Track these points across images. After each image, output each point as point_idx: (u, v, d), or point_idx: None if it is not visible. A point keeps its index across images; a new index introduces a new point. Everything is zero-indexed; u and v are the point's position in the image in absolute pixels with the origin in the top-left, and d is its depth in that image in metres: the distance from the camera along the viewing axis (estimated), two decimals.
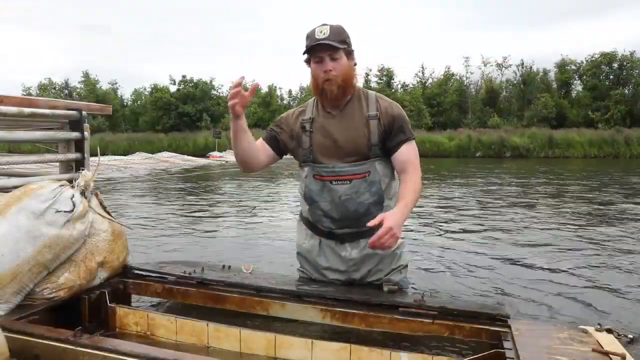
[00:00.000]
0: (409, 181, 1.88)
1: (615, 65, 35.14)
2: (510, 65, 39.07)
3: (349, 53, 1.94)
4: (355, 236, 2.00)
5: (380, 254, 2.02)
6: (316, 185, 1.98)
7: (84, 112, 2.29)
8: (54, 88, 45.30)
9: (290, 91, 48.01)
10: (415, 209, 6.18)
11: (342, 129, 1.96)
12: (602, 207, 6.24)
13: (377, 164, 1.95)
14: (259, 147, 2.02)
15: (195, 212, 5.93)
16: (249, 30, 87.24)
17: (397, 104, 2.03)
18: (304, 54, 1.93)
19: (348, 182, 1.94)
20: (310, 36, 1.90)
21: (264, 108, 42.61)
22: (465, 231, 4.57)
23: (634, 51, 34.53)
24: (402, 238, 2.16)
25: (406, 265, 2.16)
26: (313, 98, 2.09)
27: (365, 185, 1.94)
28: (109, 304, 1.83)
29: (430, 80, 41.42)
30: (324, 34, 1.86)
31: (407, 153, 1.94)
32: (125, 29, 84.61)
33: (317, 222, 2.04)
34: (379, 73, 40.87)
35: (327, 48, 1.86)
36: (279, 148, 2.07)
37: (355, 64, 1.99)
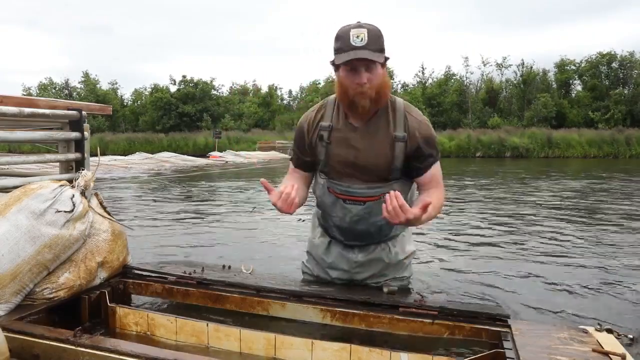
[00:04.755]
0: (432, 195, 1.74)
1: (615, 65, 35.19)
2: (510, 65, 39.16)
3: (385, 61, 1.70)
4: (364, 245, 1.98)
5: (386, 261, 1.98)
6: (329, 198, 1.91)
7: (84, 112, 2.29)
8: (54, 88, 45.38)
9: (290, 91, 48.16)
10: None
11: (364, 146, 1.78)
12: (602, 208, 6.23)
13: (395, 185, 1.80)
14: (300, 185, 1.90)
15: (195, 212, 5.93)
16: (249, 30, 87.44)
17: (426, 120, 1.85)
18: (334, 62, 1.68)
19: (362, 203, 1.84)
20: (342, 38, 1.64)
21: (264, 108, 42.64)
22: (465, 231, 4.57)
23: (633, 51, 34.63)
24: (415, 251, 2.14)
25: (410, 276, 2.14)
26: (334, 96, 1.86)
27: (379, 206, 1.79)
28: (109, 304, 1.83)
29: (430, 80, 41.49)
30: (362, 40, 1.60)
31: (433, 175, 1.83)
32: (125, 29, 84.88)
33: (328, 229, 2.03)
34: None
35: (365, 60, 1.62)
36: (310, 167, 1.94)
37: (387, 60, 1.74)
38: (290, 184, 1.72)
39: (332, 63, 1.71)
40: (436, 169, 1.84)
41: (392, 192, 1.57)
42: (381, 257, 1.98)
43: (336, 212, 1.90)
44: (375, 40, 1.63)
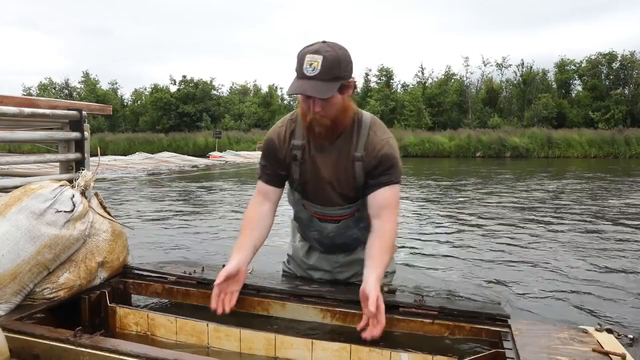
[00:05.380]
0: (381, 237, 1.66)
1: (616, 65, 35.16)
2: (510, 65, 39.17)
3: (346, 86, 1.61)
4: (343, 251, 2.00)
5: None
6: (304, 214, 1.92)
7: (84, 112, 2.29)
8: (54, 88, 45.39)
9: None
10: (415, 211, 6.17)
11: (330, 167, 1.76)
12: (602, 207, 6.23)
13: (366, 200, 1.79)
14: (263, 211, 1.82)
15: (195, 212, 5.93)
16: (249, 30, 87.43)
17: (390, 140, 1.75)
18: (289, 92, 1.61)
19: (337, 221, 1.86)
20: (299, 61, 1.56)
21: (264, 108, 42.63)
22: (465, 232, 4.57)
23: (634, 51, 34.60)
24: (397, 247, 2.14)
25: (393, 272, 2.13)
26: None
27: (353, 221, 1.85)
28: (109, 304, 1.83)
29: (430, 80, 41.49)
30: (314, 69, 1.51)
31: (386, 197, 1.69)
32: (126, 30, 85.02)
33: (307, 239, 2.05)
34: (378, 73, 40.93)
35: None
36: (283, 181, 1.88)
37: (354, 88, 1.67)
38: (236, 267, 1.67)
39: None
40: (391, 191, 1.70)
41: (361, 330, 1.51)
42: (362, 257, 1.96)
43: (313, 226, 1.92)
44: (331, 67, 1.52)
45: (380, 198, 1.70)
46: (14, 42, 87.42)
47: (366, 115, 1.79)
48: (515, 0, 77.37)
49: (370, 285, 1.51)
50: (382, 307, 1.47)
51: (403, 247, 3.85)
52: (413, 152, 27.67)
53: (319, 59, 1.52)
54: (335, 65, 1.53)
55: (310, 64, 1.52)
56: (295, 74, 1.58)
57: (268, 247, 3.77)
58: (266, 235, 1.84)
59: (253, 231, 1.78)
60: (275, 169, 1.83)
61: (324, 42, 1.58)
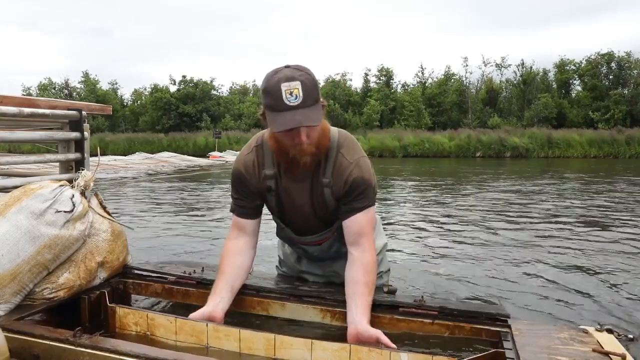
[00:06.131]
0: (365, 271, 1.60)
1: (614, 65, 35.16)
2: (510, 65, 39.16)
3: (323, 106, 1.51)
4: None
5: None
6: (285, 235, 1.93)
7: (84, 112, 2.29)
8: (54, 88, 45.36)
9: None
10: (415, 211, 6.16)
11: (304, 195, 1.70)
12: (602, 207, 6.23)
13: None
14: (240, 247, 1.76)
15: (195, 212, 5.93)
16: (250, 30, 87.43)
17: (360, 161, 1.65)
18: (268, 123, 1.47)
19: (318, 244, 1.87)
20: (273, 94, 1.42)
21: None
22: (465, 232, 4.57)
23: (630, 51, 34.63)
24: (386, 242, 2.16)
25: (387, 270, 2.13)
26: (268, 138, 1.66)
27: (334, 238, 1.82)
28: (108, 304, 1.83)
29: (430, 80, 41.49)
30: (297, 97, 1.40)
31: (362, 224, 1.63)
32: (126, 30, 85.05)
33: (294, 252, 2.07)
34: (378, 73, 40.93)
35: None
36: (259, 211, 1.80)
37: (324, 107, 1.54)
38: (205, 317, 1.60)
39: (263, 117, 1.51)
40: (365, 216, 1.64)
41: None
42: None
43: (295, 246, 1.95)
44: (311, 91, 1.43)
45: (356, 225, 1.63)
46: (14, 42, 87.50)
47: (334, 133, 1.67)
48: (515, 0, 77.36)
49: (369, 329, 1.49)
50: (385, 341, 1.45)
51: (401, 245, 3.85)
52: (413, 152, 27.63)
53: (297, 85, 1.41)
54: (313, 87, 1.45)
55: (291, 93, 1.40)
56: (270, 109, 1.45)
57: (268, 247, 3.77)
58: (247, 272, 1.79)
59: (228, 273, 1.72)
60: (249, 200, 1.75)
61: (287, 66, 1.48)
